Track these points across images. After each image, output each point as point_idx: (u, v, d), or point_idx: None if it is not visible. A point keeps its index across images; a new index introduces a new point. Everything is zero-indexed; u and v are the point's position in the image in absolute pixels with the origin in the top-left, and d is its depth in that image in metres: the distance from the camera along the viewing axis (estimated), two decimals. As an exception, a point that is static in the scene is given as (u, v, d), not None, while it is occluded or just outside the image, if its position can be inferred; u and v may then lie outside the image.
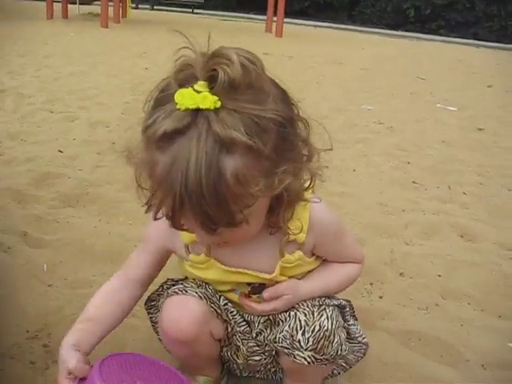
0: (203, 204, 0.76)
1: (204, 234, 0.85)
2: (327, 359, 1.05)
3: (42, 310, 1.47)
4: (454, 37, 23.07)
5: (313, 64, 8.16)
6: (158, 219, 0.86)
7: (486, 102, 6.31)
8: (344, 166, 3.12)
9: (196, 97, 0.75)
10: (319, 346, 1.03)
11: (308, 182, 0.96)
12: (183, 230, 0.89)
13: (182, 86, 0.78)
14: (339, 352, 1.06)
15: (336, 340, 1.04)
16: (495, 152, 3.86)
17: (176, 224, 0.84)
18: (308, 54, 9.41)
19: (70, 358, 0.96)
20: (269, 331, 1.12)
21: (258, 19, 19.28)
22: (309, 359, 1.04)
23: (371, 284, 1.85)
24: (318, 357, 1.04)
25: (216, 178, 0.75)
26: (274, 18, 13.64)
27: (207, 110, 0.75)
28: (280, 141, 0.82)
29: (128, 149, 0.87)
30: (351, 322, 1.17)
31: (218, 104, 0.76)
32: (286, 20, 14.01)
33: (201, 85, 0.77)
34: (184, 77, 0.79)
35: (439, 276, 1.92)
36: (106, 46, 8.04)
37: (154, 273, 1.16)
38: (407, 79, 7.59)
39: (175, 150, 0.76)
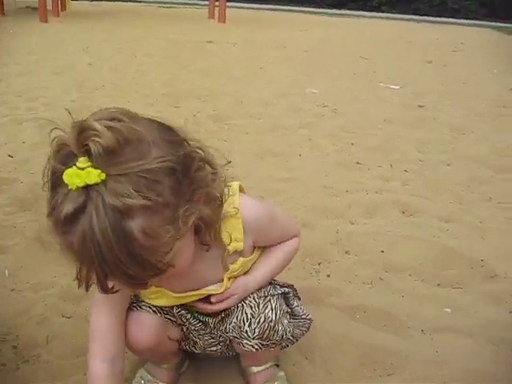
0: (124, 268, 0.79)
1: (137, 288, 0.91)
2: (274, 343, 1.17)
3: (8, 313, 1.54)
4: (396, 13, 23.46)
5: (257, 49, 8.23)
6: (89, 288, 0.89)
7: (427, 77, 6.53)
8: (289, 151, 3.24)
9: (81, 174, 0.76)
10: (265, 335, 1.14)
11: (220, 198, 0.98)
12: (115, 292, 0.90)
13: (65, 165, 0.78)
14: (284, 336, 1.17)
15: (280, 328, 1.16)
16: (434, 128, 4.03)
17: (107, 290, 0.87)
18: (252, 39, 9.46)
19: None
20: (222, 323, 1.22)
21: (200, 5, 19.18)
22: (256, 346, 1.15)
23: (319, 264, 1.97)
24: (264, 343, 1.15)
25: (126, 241, 0.77)
26: (217, 3, 13.59)
27: (95, 184, 0.77)
28: (175, 183, 0.84)
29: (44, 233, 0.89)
30: (295, 304, 1.28)
31: (103, 176, 0.77)
32: (229, 4, 13.98)
33: (81, 161, 0.77)
34: (64, 156, 0.80)
35: (382, 252, 2.06)
36: (48, 42, 7.91)
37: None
38: (351, 59, 7.75)
39: (80, 228, 0.77)
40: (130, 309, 1.17)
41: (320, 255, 2.01)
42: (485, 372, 1.43)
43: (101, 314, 1.12)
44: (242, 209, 1.09)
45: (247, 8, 20.14)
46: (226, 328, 1.19)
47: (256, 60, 7.08)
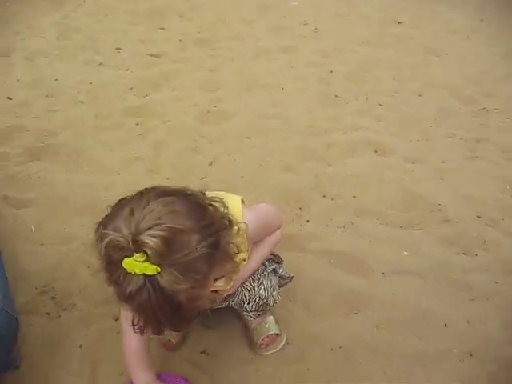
0: (174, 322, 1.08)
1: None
2: (268, 308, 1.55)
3: (43, 268, 1.85)
4: None
5: None
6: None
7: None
8: (273, 82, 3.43)
9: (140, 266, 0.98)
10: (260, 309, 1.53)
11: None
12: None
13: (122, 251, 1.00)
14: (275, 303, 1.53)
15: (271, 300, 1.51)
16: (411, 49, 4.20)
17: (159, 333, 1.16)
18: None
19: None
20: (225, 301, 1.55)
21: None
22: (253, 316, 1.57)
23: (300, 209, 2.29)
24: (259, 313, 1.55)
25: (176, 308, 1.03)
26: None
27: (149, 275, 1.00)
28: (211, 260, 1.07)
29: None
30: (280, 270, 1.62)
31: (159, 269, 0.99)
32: None
33: (138, 256, 0.98)
34: (119, 250, 1.00)
35: (354, 197, 2.38)
36: None
37: None
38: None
39: (142, 300, 1.01)
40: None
41: (302, 200, 2.32)
42: (431, 312, 1.80)
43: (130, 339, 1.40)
44: (244, 225, 1.31)
45: None
46: (229, 304, 1.54)
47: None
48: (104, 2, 4.91)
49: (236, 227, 1.22)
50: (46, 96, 3.07)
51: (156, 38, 4.07)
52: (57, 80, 3.29)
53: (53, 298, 1.75)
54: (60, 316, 1.69)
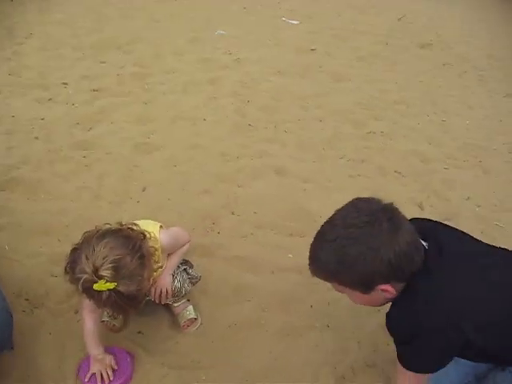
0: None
1: None
2: (182, 296, 2.22)
3: (17, 277, 2.47)
4: None
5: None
6: None
7: (326, 8, 7.30)
8: (197, 114, 4.10)
9: (104, 286, 1.68)
10: (175, 295, 2.20)
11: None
12: None
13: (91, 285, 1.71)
14: (186, 292, 2.22)
15: (183, 290, 2.20)
16: (319, 79, 4.96)
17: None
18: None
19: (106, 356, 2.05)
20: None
21: None
22: (171, 301, 2.22)
23: (213, 223, 2.97)
24: (175, 299, 2.22)
25: (132, 300, 1.78)
26: None
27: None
28: (143, 263, 1.80)
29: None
30: (190, 270, 2.31)
31: (115, 284, 1.69)
32: None
33: (101, 282, 1.68)
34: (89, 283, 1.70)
35: (255, 213, 3.08)
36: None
37: None
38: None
39: (111, 303, 1.75)
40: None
41: (214, 217, 3.01)
42: (301, 297, 2.52)
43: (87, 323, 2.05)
44: (161, 243, 2.04)
45: None
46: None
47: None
48: (51, 35, 5.49)
49: (149, 235, 1.93)
50: (6, 133, 3.66)
51: (97, 73, 4.70)
52: (13, 116, 3.88)
53: (26, 300, 2.36)
54: (33, 312, 2.31)
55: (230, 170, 3.45)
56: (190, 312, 2.35)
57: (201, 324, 2.37)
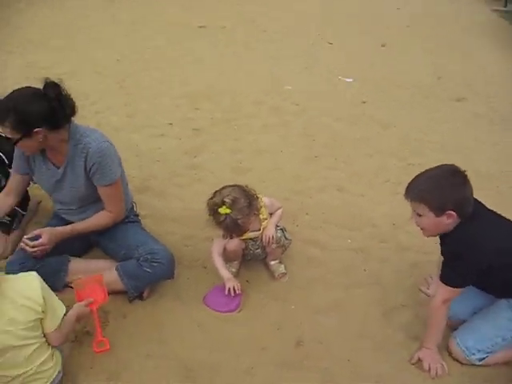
0: None
1: None
2: (282, 246, 3.36)
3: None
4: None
5: (246, 34, 10.09)
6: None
7: (376, 67, 8.53)
8: (274, 149, 5.32)
9: (223, 210, 2.86)
10: (277, 243, 3.30)
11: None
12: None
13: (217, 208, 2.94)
14: (284, 244, 3.36)
15: (282, 239, 3.32)
16: (369, 125, 6.10)
17: None
18: (242, 20, 11.20)
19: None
20: (259, 240, 3.36)
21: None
22: (274, 247, 3.31)
23: (293, 220, 4.11)
24: (278, 246, 3.33)
25: (238, 225, 3.01)
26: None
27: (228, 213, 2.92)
28: (250, 207, 3.02)
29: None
30: (286, 232, 3.44)
31: (229, 210, 2.91)
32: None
33: (223, 207, 2.87)
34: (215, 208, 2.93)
35: (323, 213, 4.21)
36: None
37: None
38: (317, 45, 9.66)
39: (225, 223, 2.97)
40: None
41: (293, 216, 4.15)
42: (352, 265, 3.62)
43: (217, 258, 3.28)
44: (264, 202, 3.22)
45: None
46: (262, 242, 3.34)
47: (244, 53, 8.96)
48: (152, 88, 6.88)
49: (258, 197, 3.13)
50: (135, 156, 4.95)
51: (195, 116, 6.00)
52: (137, 145, 5.17)
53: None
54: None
55: (302, 187, 4.62)
56: (282, 268, 3.50)
57: (288, 277, 3.48)
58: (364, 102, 6.87)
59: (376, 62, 8.91)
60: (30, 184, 3.43)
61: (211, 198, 3.03)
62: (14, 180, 3.28)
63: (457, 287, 2.73)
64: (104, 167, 3.02)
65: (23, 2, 10.93)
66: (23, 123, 2.76)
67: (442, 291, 2.78)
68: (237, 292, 3.16)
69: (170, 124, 5.76)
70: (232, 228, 2.98)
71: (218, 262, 3.25)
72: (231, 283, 3.18)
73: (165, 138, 5.41)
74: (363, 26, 11.72)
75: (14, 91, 2.85)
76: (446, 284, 2.74)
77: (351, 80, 7.78)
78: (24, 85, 2.92)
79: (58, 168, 3.09)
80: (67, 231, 3.10)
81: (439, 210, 2.63)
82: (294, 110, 6.44)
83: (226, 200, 2.93)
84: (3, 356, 2.27)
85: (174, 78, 7.29)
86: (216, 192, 3.05)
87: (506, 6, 15.86)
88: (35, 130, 2.79)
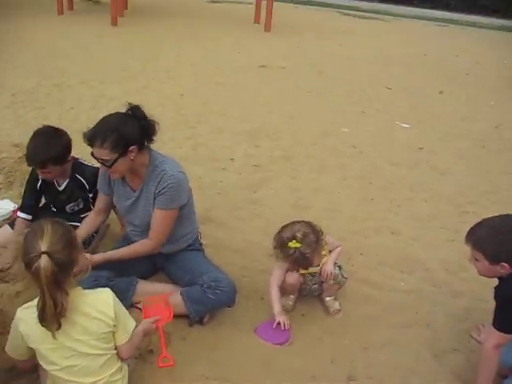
0: None
1: None
2: (338, 283, 3.48)
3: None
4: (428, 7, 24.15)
5: (303, 74, 10.40)
6: None
7: (434, 114, 8.63)
8: (331, 189, 5.48)
9: (293, 244, 3.06)
10: (334, 280, 3.42)
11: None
12: None
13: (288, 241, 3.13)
14: (340, 282, 3.48)
15: (339, 276, 3.43)
16: (425, 171, 6.22)
17: None
18: (297, 62, 11.55)
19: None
20: (318, 276, 3.49)
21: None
22: (331, 283, 3.43)
23: (348, 259, 4.23)
24: (335, 282, 3.45)
25: (305, 258, 3.19)
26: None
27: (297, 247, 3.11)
28: (317, 244, 3.23)
29: None
30: (343, 270, 3.56)
31: (299, 245, 3.10)
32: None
33: (294, 242, 3.05)
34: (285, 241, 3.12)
35: (377, 255, 4.32)
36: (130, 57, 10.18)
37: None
38: (376, 90, 9.88)
39: (294, 257, 3.16)
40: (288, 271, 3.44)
41: (348, 255, 4.26)
42: (402, 305, 3.70)
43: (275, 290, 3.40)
44: (326, 239, 3.37)
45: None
46: (319, 278, 3.47)
47: (303, 94, 9.25)
48: (214, 123, 7.17)
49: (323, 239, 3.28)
50: (198, 189, 5.17)
51: (254, 153, 6.23)
52: (200, 178, 5.41)
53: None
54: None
55: (358, 228, 4.74)
56: (336, 305, 3.60)
57: (342, 314, 3.59)
58: (420, 148, 6.98)
59: (434, 109, 9.03)
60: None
61: (279, 232, 3.22)
62: (101, 200, 3.51)
63: (509, 333, 2.80)
64: (170, 193, 3.16)
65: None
66: (123, 141, 2.97)
67: (493, 336, 2.84)
68: (286, 327, 3.29)
69: (232, 159, 6.01)
70: (299, 262, 3.17)
71: (275, 295, 3.39)
72: (281, 317, 3.31)
73: (226, 172, 5.65)
74: (422, 72, 11.92)
75: (105, 117, 3.12)
76: (498, 329, 2.81)
77: (408, 126, 7.91)
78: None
79: (134, 191, 3.29)
80: (106, 258, 3.25)
81: (493, 260, 2.75)
82: (351, 152, 6.62)
83: (298, 235, 3.12)
84: (79, 364, 2.44)
85: (234, 115, 7.58)
86: (284, 226, 3.24)
87: None
88: (131, 148, 3.02)
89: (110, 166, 3.05)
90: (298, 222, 3.26)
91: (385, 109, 8.75)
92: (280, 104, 8.43)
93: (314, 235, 3.18)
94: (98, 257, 3.19)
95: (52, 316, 2.26)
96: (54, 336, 2.31)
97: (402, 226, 4.84)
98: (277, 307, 3.36)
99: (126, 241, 3.53)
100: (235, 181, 5.45)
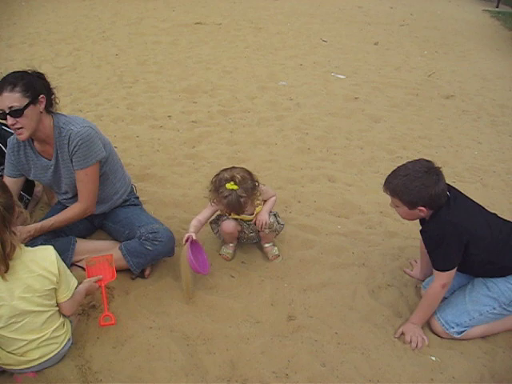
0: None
1: None
2: (273, 231, 3.56)
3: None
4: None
5: (240, 31, 10.32)
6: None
7: (368, 65, 8.76)
8: (269, 141, 5.53)
9: (231, 185, 3.06)
10: (270, 228, 3.50)
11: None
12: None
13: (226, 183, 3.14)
14: (276, 229, 3.56)
15: (274, 224, 3.51)
16: (361, 119, 6.35)
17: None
18: (234, 18, 11.43)
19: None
20: (253, 225, 3.57)
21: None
22: (267, 232, 3.53)
23: (286, 207, 4.32)
24: (271, 230, 3.53)
25: (240, 203, 3.15)
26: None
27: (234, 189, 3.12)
28: (252, 190, 3.24)
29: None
30: (279, 217, 3.65)
31: (237, 187, 3.10)
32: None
33: (231, 183, 3.07)
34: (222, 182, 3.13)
35: (314, 201, 4.43)
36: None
37: None
38: (313, 43, 9.92)
39: (228, 200, 3.14)
40: (225, 217, 3.49)
41: (286, 203, 4.36)
42: (342, 248, 3.84)
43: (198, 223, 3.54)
44: (260, 188, 3.39)
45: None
46: (255, 227, 3.55)
47: (240, 49, 9.20)
48: (152, 82, 7.09)
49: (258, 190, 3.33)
50: (136, 147, 5.16)
51: (192, 110, 6.21)
52: (137, 136, 5.38)
53: (172, 239, 3.77)
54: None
55: (295, 176, 4.83)
56: (275, 251, 3.70)
57: (281, 258, 3.69)
58: (356, 98, 7.10)
59: (369, 59, 9.15)
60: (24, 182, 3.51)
61: (218, 174, 3.25)
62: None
63: (450, 269, 2.96)
64: (82, 151, 3.11)
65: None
66: (33, 87, 2.94)
67: (439, 277, 2.99)
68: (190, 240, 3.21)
69: (169, 116, 5.99)
70: (233, 205, 3.16)
71: (192, 223, 3.35)
72: (188, 235, 3.24)
73: (163, 130, 5.64)
74: (357, 25, 12.01)
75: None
76: (440, 270, 2.97)
77: (344, 76, 8.01)
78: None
79: (50, 160, 3.23)
80: (37, 229, 3.14)
81: (411, 206, 2.89)
82: (288, 104, 6.68)
83: (237, 176, 3.15)
84: (22, 321, 2.47)
85: (171, 73, 7.49)
86: (224, 170, 3.27)
87: (497, 6, 16.14)
88: (41, 95, 2.99)
89: (20, 115, 2.93)
90: (239, 167, 3.31)
91: (321, 61, 8.81)
92: (217, 60, 8.37)
93: (251, 182, 3.22)
94: (30, 228, 3.11)
95: (1, 257, 2.29)
96: (3, 278, 2.34)
97: (339, 173, 4.96)
98: (190, 230, 3.32)
99: (60, 206, 3.50)
100: (173, 137, 5.45)
